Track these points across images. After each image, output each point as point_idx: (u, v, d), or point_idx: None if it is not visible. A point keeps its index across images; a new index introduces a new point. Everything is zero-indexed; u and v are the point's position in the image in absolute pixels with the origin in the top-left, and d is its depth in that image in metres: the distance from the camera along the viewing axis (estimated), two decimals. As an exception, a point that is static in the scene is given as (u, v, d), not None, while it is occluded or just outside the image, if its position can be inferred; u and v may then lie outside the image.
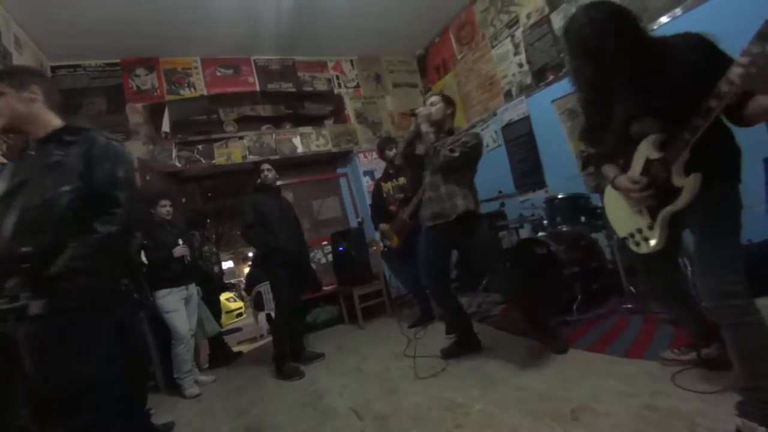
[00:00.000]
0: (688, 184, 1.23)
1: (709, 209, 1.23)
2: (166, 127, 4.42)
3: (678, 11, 2.81)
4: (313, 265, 4.06)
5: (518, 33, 4.06)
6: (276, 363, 2.92)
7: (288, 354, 2.99)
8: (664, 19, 2.88)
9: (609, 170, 1.48)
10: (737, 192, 1.25)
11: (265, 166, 3.24)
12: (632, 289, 2.59)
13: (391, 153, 3.37)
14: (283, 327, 3.03)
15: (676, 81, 1.18)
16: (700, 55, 1.16)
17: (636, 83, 1.25)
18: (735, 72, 1.02)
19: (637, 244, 1.47)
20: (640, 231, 1.44)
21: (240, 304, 10.31)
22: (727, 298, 1.17)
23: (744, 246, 2.27)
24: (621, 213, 1.52)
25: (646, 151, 1.33)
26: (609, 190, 1.58)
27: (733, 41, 1.17)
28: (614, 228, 1.61)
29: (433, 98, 2.36)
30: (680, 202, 1.26)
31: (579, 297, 2.64)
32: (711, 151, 1.20)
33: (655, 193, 1.32)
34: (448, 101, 2.39)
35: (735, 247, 1.22)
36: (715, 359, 1.53)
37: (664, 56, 1.21)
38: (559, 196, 3.08)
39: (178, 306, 2.99)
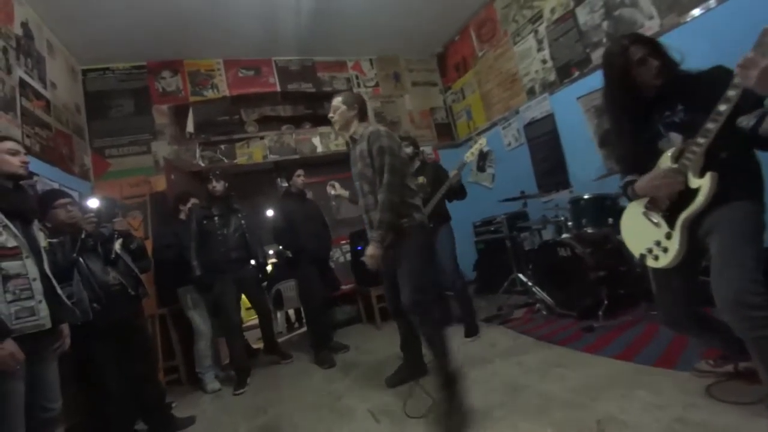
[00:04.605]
0: (704, 183, 1.22)
1: (730, 220, 1.21)
2: (190, 127, 4.53)
3: (712, 3, 2.65)
4: (332, 264, 4.09)
5: (542, 28, 3.95)
6: (315, 350, 3.16)
7: (324, 342, 3.21)
8: (696, 12, 2.73)
9: (630, 189, 1.48)
10: (761, 212, 1.23)
11: (299, 172, 3.46)
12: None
13: (408, 151, 3.33)
14: (318, 317, 3.29)
15: (698, 100, 1.23)
16: (727, 81, 1.15)
17: (661, 101, 1.35)
18: (735, 73, 1.08)
19: (656, 257, 1.40)
20: (658, 243, 1.38)
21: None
22: (747, 309, 1.10)
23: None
24: (638, 230, 1.47)
25: (663, 163, 1.34)
26: (625, 214, 1.56)
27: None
28: (631, 249, 1.53)
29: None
30: (698, 202, 1.24)
31: (605, 302, 2.55)
32: (733, 169, 1.21)
33: (673, 201, 1.32)
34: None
35: (756, 259, 1.15)
36: (754, 372, 1.43)
37: (693, 83, 1.30)
38: (585, 197, 2.97)
39: (199, 303, 3.06)
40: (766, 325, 1.08)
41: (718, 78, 1.20)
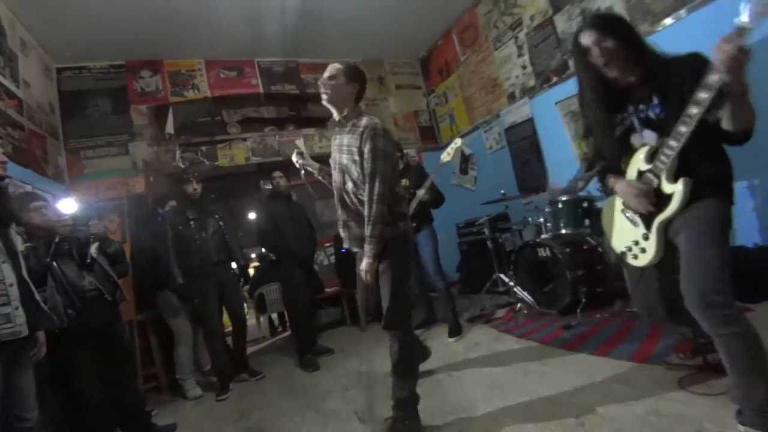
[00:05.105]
0: (678, 189, 1.24)
1: (698, 219, 1.24)
2: (170, 128, 4.43)
3: (682, 13, 2.78)
4: (316, 267, 4.08)
5: (521, 35, 4.05)
6: (299, 353, 3.14)
7: (308, 345, 3.20)
8: (668, 21, 2.86)
9: (611, 181, 1.48)
10: (729, 211, 1.25)
11: (277, 173, 3.41)
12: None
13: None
14: (302, 320, 3.28)
15: (674, 95, 1.22)
16: (701, 73, 1.12)
17: (635, 92, 1.32)
18: (711, 78, 1.06)
19: (635, 256, 1.45)
20: (636, 243, 1.43)
21: (242, 305, 10.28)
22: (711, 307, 1.15)
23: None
24: (618, 226, 1.51)
25: (637, 163, 1.35)
26: (606, 206, 1.60)
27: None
28: (612, 244, 1.57)
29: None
30: (672, 208, 1.26)
31: (583, 300, 2.63)
32: (704, 167, 1.23)
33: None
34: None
35: (722, 258, 1.19)
36: (721, 364, 1.50)
37: (667, 71, 1.26)
38: (563, 199, 3.06)
39: (180, 307, 3.00)
40: (730, 323, 1.13)
41: (694, 68, 1.15)
